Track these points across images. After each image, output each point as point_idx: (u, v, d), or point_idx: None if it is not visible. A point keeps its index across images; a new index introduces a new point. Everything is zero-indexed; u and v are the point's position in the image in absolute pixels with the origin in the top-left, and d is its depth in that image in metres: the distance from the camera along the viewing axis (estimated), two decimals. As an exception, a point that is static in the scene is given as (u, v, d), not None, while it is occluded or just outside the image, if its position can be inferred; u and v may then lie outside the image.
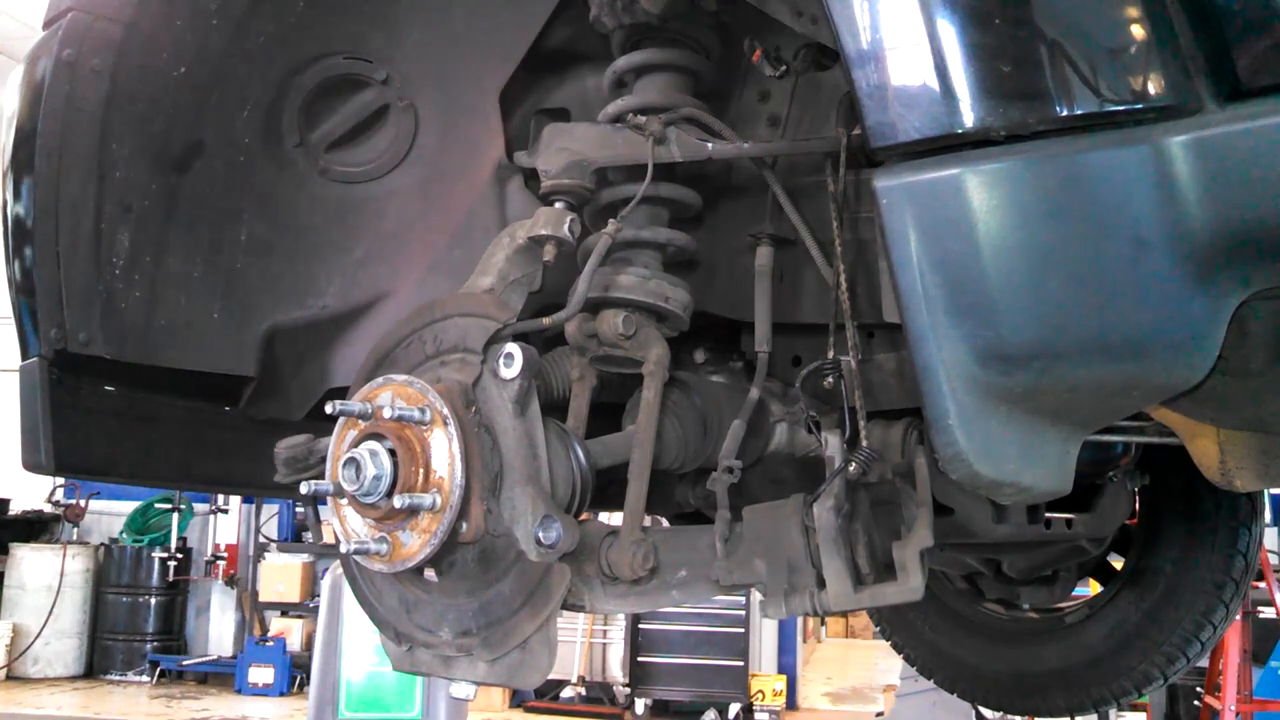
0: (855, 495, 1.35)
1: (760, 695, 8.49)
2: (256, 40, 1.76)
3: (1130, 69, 0.99)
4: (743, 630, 8.58)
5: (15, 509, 11.41)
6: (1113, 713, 5.90)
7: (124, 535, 11.12)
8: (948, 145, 1.03)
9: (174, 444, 1.87)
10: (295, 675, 10.13)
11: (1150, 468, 2.71)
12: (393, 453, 1.29)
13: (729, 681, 8.51)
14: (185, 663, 10.80)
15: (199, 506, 11.38)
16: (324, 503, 1.43)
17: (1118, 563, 3.03)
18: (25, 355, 1.66)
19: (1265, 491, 3.19)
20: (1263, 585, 6.49)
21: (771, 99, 1.67)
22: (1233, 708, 6.32)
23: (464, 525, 1.30)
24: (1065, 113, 0.99)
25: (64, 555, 10.56)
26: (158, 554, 10.79)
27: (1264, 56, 0.94)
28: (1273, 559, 6.71)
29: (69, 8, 1.61)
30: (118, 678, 10.63)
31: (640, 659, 8.69)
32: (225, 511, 11.47)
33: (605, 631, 8.80)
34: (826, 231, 1.49)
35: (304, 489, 1.31)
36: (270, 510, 11.39)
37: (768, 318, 1.56)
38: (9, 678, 10.28)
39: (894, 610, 3.25)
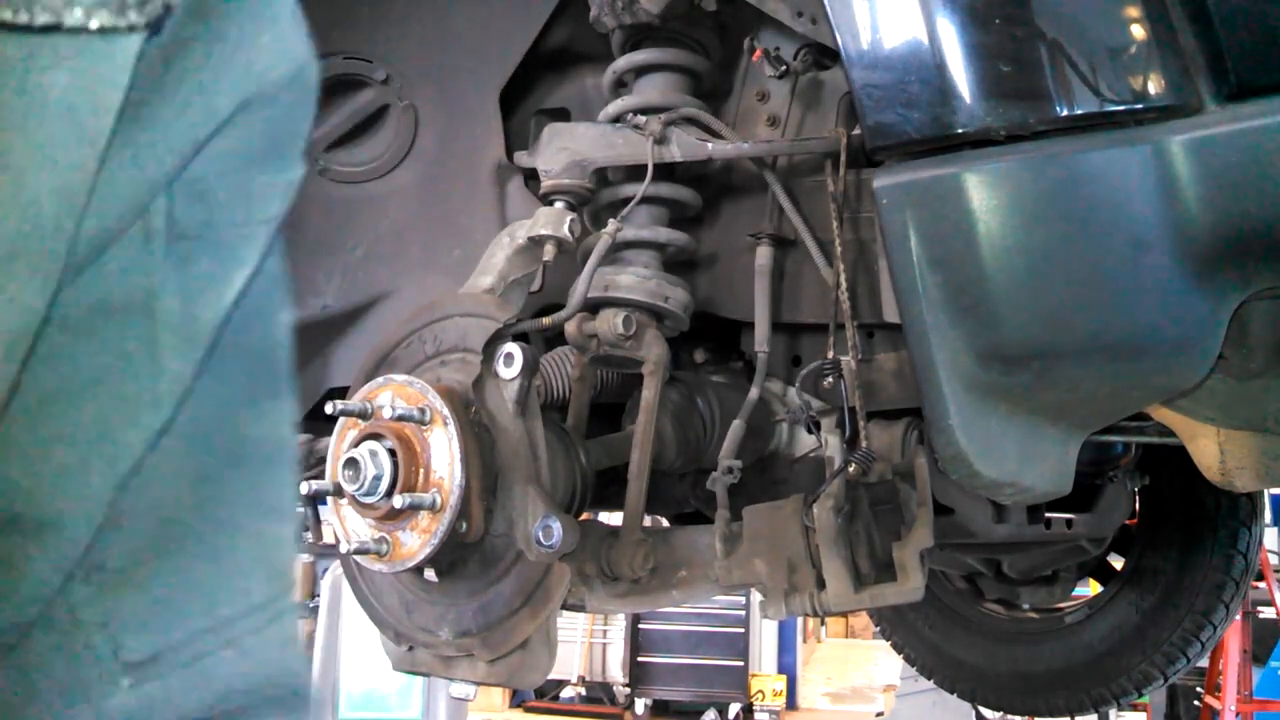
0: (855, 495, 1.35)
1: (760, 695, 8.48)
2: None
3: (1130, 69, 0.99)
4: (743, 630, 8.58)
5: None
6: (1113, 713, 5.90)
7: (124, 535, 11.11)
8: (948, 145, 1.03)
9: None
10: (295, 675, 10.13)
11: (1150, 468, 2.71)
12: (392, 453, 1.29)
13: (729, 681, 8.50)
14: (185, 663, 10.80)
15: (199, 506, 11.37)
16: (324, 503, 1.43)
17: (1118, 563, 3.04)
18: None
19: (1265, 491, 3.19)
20: (1263, 585, 6.49)
21: (771, 99, 1.67)
22: (1233, 708, 6.32)
23: (464, 525, 1.30)
24: (1065, 113, 0.99)
25: (64, 555, 10.55)
26: (158, 554, 10.79)
27: (1264, 56, 0.94)
28: (1273, 559, 6.70)
29: None
30: (118, 678, 10.62)
31: (640, 659, 8.68)
32: (225, 511, 11.47)
33: (605, 631, 8.79)
34: (826, 231, 1.49)
35: (304, 489, 1.31)
36: (270, 510, 11.37)
37: (768, 318, 1.57)
38: (9, 678, 10.27)
39: (894, 610, 3.25)
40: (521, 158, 1.80)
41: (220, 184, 0.42)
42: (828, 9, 1.08)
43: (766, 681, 8.57)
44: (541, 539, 1.30)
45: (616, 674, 8.71)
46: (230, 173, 0.42)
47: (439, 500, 1.28)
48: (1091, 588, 3.28)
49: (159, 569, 0.43)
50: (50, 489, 0.39)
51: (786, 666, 8.88)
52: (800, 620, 8.89)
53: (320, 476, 1.42)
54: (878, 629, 3.85)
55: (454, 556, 1.35)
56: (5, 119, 0.33)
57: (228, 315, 0.44)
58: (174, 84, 0.38)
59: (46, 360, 0.37)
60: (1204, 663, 6.14)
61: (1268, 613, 6.90)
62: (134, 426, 0.41)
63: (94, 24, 0.33)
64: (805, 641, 9.22)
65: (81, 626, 0.41)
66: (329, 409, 1.33)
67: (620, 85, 1.67)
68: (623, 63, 1.62)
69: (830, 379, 1.46)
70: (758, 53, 1.61)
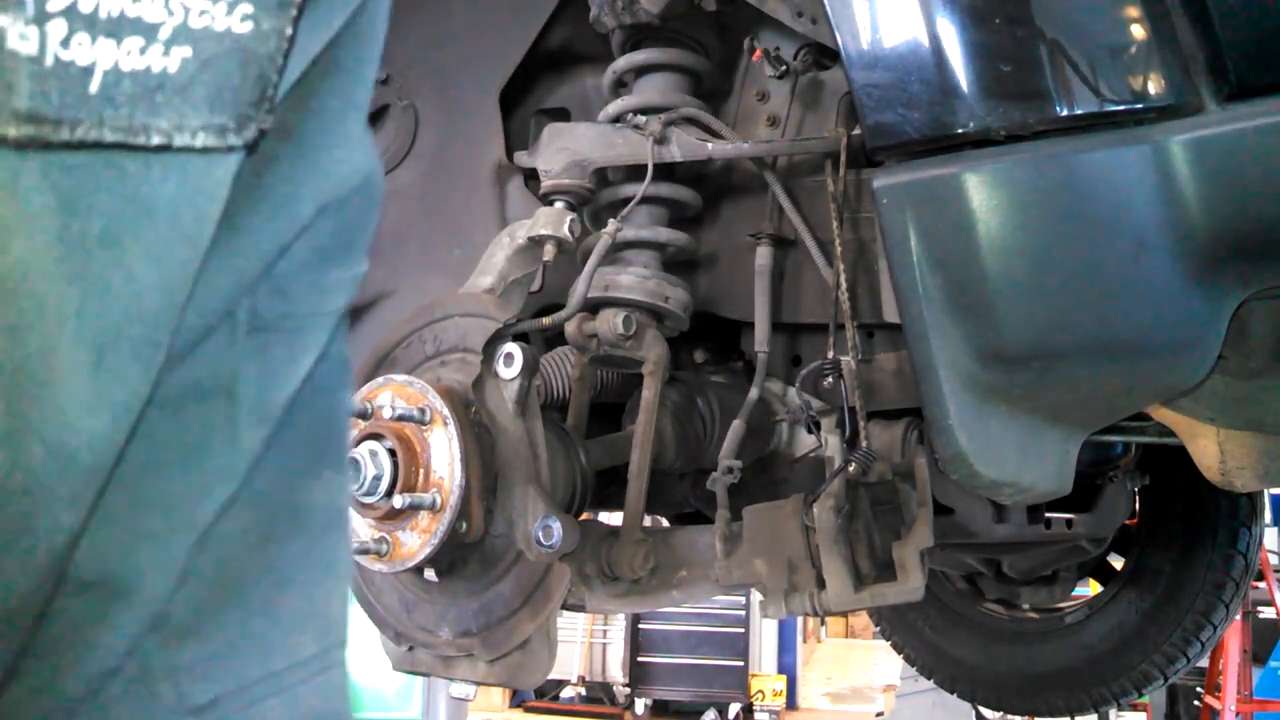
0: (855, 495, 1.35)
1: (760, 695, 8.48)
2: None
3: (1130, 69, 0.99)
4: (743, 630, 8.58)
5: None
6: (1113, 713, 5.90)
7: (124, 535, 11.11)
8: (948, 145, 1.03)
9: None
10: (295, 675, 10.12)
11: (1150, 468, 2.71)
12: (393, 453, 1.29)
13: (729, 681, 8.50)
14: (185, 663, 10.78)
15: (199, 506, 11.36)
16: (324, 503, 1.43)
17: (1118, 563, 3.04)
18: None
19: (1265, 491, 3.19)
20: (1263, 585, 6.49)
21: (771, 99, 1.67)
22: (1233, 708, 6.32)
23: (464, 525, 1.30)
24: (1065, 113, 0.99)
25: (64, 555, 10.55)
26: (158, 554, 10.76)
27: (1264, 56, 0.94)
28: (1273, 559, 6.70)
29: None
30: (118, 678, 10.61)
31: (640, 659, 8.68)
32: (225, 511, 11.46)
33: (605, 631, 8.79)
34: (826, 231, 1.49)
35: (304, 489, 1.31)
36: (270, 510, 11.36)
37: (768, 318, 1.57)
38: (9, 678, 10.26)
39: (894, 610, 3.25)
40: (521, 158, 1.80)
41: (297, 280, 0.47)
42: (828, 9, 1.08)
43: (766, 681, 8.57)
44: (541, 539, 1.30)
45: (616, 674, 8.71)
46: (306, 270, 0.47)
47: (439, 500, 1.28)
48: (1091, 588, 3.28)
49: (220, 623, 0.48)
50: (138, 551, 0.43)
51: (786, 666, 8.88)
52: (800, 620, 8.90)
53: (320, 476, 1.42)
54: (878, 629, 3.85)
55: (454, 556, 1.35)
56: (121, 222, 0.38)
57: (296, 395, 0.49)
58: (263, 195, 0.43)
59: (145, 436, 0.41)
60: (1204, 663, 6.14)
61: (1268, 613, 6.90)
62: (211, 495, 0.45)
63: (199, 143, 0.38)
64: (805, 641, 9.22)
65: (150, 675, 0.45)
66: (329, 409, 1.33)
67: (620, 85, 1.67)
68: (623, 63, 1.62)
69: (830, 379, 1.46)
70: (758, 53, 1.61)
